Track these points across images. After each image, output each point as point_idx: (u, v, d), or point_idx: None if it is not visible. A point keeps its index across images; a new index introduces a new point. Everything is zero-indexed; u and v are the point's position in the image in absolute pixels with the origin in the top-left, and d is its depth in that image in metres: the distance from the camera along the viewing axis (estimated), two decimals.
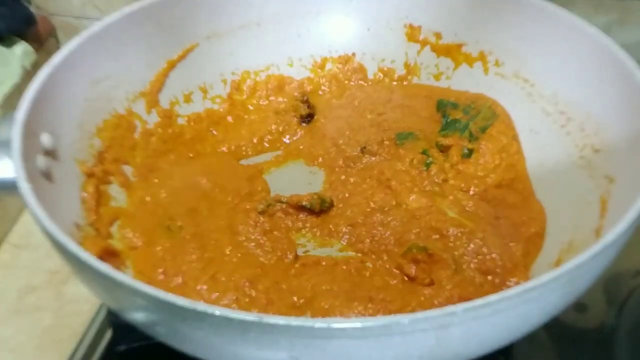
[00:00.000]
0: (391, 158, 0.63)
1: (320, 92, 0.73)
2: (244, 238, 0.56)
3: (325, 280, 0.51)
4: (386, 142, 0.64)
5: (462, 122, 0.66)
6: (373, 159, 0.64)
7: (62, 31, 0.92)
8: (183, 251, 0.55)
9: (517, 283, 0.51)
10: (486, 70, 0.69)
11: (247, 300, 0.50)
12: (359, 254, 0.55)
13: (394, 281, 0.51)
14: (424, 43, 0.72)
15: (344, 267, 0.53)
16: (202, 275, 0.52)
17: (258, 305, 0.49)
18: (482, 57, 0.69)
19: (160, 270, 0.53)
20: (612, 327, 0.58)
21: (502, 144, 0.64)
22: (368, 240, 0.55)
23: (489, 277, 0.51)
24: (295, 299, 0.49)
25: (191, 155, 0.66)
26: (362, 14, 0.73)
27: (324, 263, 0.54)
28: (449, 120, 0.66)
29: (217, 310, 0.36)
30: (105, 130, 0.61)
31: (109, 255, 0.53)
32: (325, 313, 0.47)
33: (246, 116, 0.71)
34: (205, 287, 0.51)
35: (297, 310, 0.48)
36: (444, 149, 0.64)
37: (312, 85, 0.73)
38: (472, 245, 0.53)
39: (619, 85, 0.55)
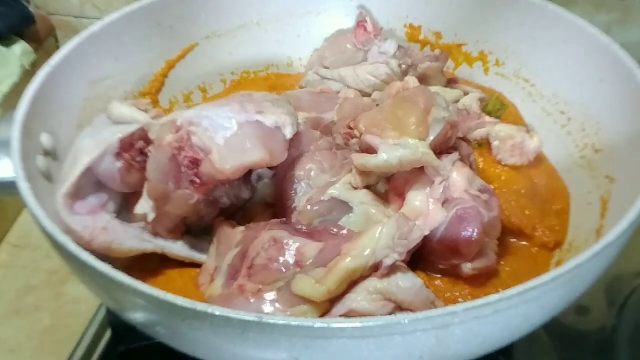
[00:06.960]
0: None
1: None
2: None
3: None
4: None
5: None
6: None
7: (62, 31, 0.92)
8: None
9: None
10: (487, 70, 0.69)
11: None
12: None
13: None
14: (424, 43, 0.72)
15: None
16: None
17: None
18: (482, 57, 0.69)
19: None
20: (613, 328, 0.58)
21: None
22: None
23: None
24: None
25: None
26: None
27: None
28: None
29: (217, 311, 0.36)
30: None
31: None
32: None
33: None
34: None
35: None
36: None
37: None
38: None
39: (619, 85, 0.55)
